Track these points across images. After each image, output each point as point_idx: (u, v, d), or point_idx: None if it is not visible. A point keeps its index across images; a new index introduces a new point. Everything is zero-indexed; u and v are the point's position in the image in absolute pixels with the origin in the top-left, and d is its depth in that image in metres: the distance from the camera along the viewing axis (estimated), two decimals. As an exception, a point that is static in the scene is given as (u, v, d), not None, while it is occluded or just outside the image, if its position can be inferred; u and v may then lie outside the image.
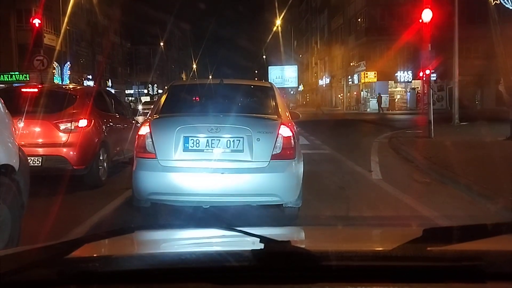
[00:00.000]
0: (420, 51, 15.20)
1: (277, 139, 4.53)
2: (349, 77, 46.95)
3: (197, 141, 4.54)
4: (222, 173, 4.50)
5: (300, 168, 4.78)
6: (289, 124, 4.83)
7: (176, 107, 5.30)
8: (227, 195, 4.55)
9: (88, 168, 6.64)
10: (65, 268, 1.19)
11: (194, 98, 5.80)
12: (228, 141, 4.54)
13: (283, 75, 52.61)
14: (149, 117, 4.95)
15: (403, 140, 12.68)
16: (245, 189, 4.54)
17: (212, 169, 4.50)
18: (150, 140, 4.53)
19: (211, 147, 4.53)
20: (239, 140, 4.53)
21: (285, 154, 4.54)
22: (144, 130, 4.62)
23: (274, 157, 4.50)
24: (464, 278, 1.21)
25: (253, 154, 4.50)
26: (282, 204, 4.79)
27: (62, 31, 37.15)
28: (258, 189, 4.55)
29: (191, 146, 4.53)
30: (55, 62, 34.59)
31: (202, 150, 4.54)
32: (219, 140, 4.54)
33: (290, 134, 4.62)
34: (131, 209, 5.57)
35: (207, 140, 4.54)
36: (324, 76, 56.07)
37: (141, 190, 4.64)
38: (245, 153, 4.51)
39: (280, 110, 5.08)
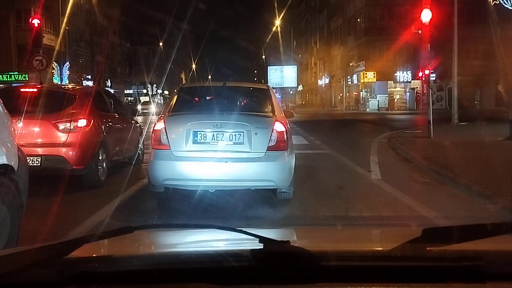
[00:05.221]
0: (420, 51, 15.21)
1: (272, 133, 5.22)
2: (349, 77, 46.97)
3: (205, 135, 5.25)
4: (226, 162, 5.19)
5: (292, 159, 5.48)
6: (283, 121, 5.47)
7: (186, 106, 6.12)
8: (230, 180, 5.22)
9: (87, 168, 6.63)
10: (65, 268, 1.19)
11: (201, 98, 6.56)
12: (231, 135, 5.23)
13: (283, 75, 52.65)
14: (163, 115, 5.71)
15: (403, 140, 12.68)
16: (245, 175, 5.21)
17: (217, 159, 5.21)
18: (165, 134, 5.24)
19: (216, 140, 5.24)
20: (240, 134, 5.21)
21: (279, 146, 5.24)
22: (160, 125, 5.33)
23: (270, 148, 5.20)
24: (464, 278, 1.20)
25: (252, 146, 5.19)
26: (277, 189, 5.47)
27: (61, 31, 37.18)
28: (256, 176, 5.23)
29: (199, 139, 5.23)
30: (54, 62, 34.58)
31: (208, 143, 5.25)
32: (223, 134, 5.24)
33: (283, 129, 5.30)
34: (131, 209, 5.59)
35: (213, 134, 5.24)
36: (323, 76, 56.07)
37: (157, 176, 5.33)
38: (245, 145, 5.20)
39: (275, 108, 5.76)
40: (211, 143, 5.23)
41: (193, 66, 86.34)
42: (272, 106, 5.81)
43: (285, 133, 5.28)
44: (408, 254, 1.24)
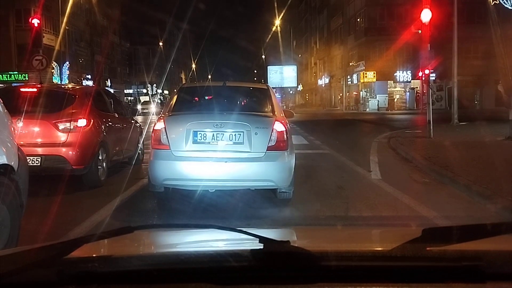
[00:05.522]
0: (420, 51, 15.20)
1: (272, 133, 5.23)
2: (348, 77, 46.96)
3: (205, 135, 5.26)
4: (226, 161, 5.20)
5: (292, 158, 5.48)
6: (283, 121, 5.47)
7: (186, 106, 6.11)
8: (230, 180, 5.22)
9: (87, 168, 6.63)
10: (65, 269, 1.19)
11: (201, 98, 6.57)
12: (231, 135, 5.24)
13: (282, 75, 52.58)
14: (163, 115, 5.70)
15: (403, 140, 12.68)
16: (245, 175, 5.22)
17: (217, 159, 5.21)
18: (165, 134, 5.24)
19: (216, 140, 5.25)
20: (240, 134, 5.22)
21: (279, 146, 5.24)
22: (159, 125, 5.33)
23: (270, 148, 5.20)
24: (464, 278, 1.20)
25: (252, 146, 5.20)
26: (277, 189, 5.48)
27: (61, 31, 37.16)
28: (256, 175, 5.23)
29: (199, 139, 5.24)
30: (54, 62, 34.59)
31: (208, 143, 5.26)
32: (223, 134, 5.24)
33: (283, 129, 5.30)
34: (131, 209, 5.59)
35: (213, 134, 5.25)
36: (323, 76, 56.07)
37: (156, 176, 5.33)
38: (245, 145, 5.20)
39: (275, 108, 5.76)
40: (211, 143, 5.24)
41: (193, 66, 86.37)
42: (272, 106, 5.82)
43: (285, 133, 5.29)
44: (408, 254, 1.24)
